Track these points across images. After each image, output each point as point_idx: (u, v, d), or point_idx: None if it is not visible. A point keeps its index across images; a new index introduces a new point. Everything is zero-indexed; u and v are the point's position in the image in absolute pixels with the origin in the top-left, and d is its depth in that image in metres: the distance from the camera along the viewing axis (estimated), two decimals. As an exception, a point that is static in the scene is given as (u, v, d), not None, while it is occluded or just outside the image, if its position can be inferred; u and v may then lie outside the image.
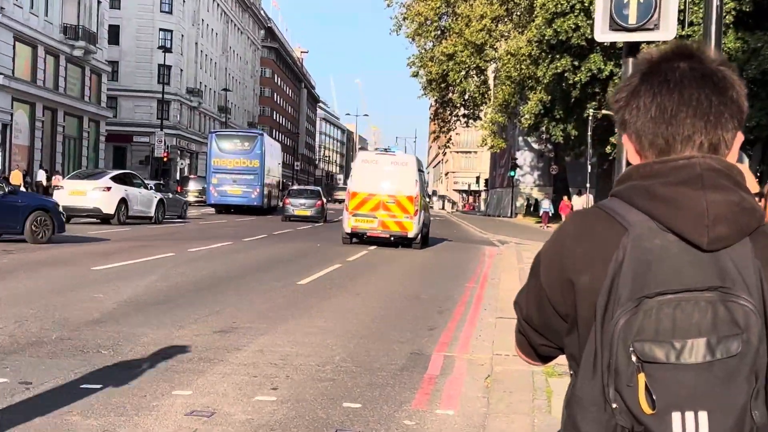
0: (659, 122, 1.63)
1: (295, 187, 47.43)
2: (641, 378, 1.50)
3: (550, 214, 50.30)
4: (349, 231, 24.16)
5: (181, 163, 75.83)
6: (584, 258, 1.63)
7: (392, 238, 24.12)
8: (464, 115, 59.01)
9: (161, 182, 42.40)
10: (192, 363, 7.89)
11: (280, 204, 45.42)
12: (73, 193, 27.40)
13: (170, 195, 35.24)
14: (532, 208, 61.46)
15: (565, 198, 53.16)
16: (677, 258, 1.54)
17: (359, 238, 24.25)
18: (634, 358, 1.50)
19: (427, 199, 23.97)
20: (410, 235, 24.04)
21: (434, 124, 64.43)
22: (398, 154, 25.18)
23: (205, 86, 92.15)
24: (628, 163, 1.71)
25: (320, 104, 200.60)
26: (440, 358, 8.70)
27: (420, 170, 23.94)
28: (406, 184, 23.71)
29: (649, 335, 1.50)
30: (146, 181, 32.67)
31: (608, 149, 40.31)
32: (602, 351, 1.55)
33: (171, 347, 8.53)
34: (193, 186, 59.10)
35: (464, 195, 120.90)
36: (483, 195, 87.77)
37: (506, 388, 7.05)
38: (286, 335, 9.54)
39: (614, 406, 1.53)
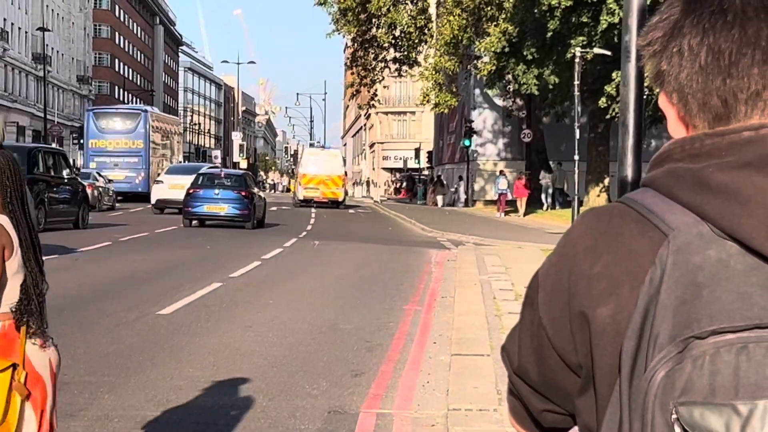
0: (713, 73, 1.59)
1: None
2: None
3: (509, 197, 51.23)
4: (301, 198, 58.55)
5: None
6: (603, 280, 1.60)
7: (329, 202, 57.51)
8: (395, 60, 59.28)
9: None
10: (3, 439, 7.72)
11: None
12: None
13: None
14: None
15: (520, 173, 53.94)
16: (742, 278, 1.50)
17: (308, 203, 43.26)
18: (678, 430, 1.45)
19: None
20: (340, 200, 59.41)
21: (352, 73, 64.55)
22: (331, 149, 60.36)
23: (12, 24, 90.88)
24: (668, 137, 1.67)
25: (184, 48, 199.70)
26: (371, 418, 8.70)
27: (344, 158, 46.31)
28: (337, 168, 59.74)
29: (700, 395, 1.46)
30: None
31: (602, 103, 40.89)
32: (631, 419, 1.51)
33: (-30, 416, 8.33)
34: None
35: (398, 175, 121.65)
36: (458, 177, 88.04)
37: (470, 459, 7.05)
38: (144, 391, 9.45)
39: None
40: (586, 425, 1.68)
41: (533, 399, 1.80)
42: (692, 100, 1.62)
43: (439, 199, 72.44)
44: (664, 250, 1.53)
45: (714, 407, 1.46)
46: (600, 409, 1.61)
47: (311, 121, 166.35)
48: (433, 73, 55.10)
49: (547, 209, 52.95)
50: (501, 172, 56.23)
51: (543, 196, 55.34)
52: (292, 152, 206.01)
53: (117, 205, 48.54)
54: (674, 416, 1.47)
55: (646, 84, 6.76)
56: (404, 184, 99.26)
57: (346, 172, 65.41)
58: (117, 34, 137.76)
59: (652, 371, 1.48)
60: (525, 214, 49.72)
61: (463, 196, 67.83)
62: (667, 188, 1.59)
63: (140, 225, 35.27)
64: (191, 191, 37.28)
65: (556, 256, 1.70)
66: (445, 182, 76.01)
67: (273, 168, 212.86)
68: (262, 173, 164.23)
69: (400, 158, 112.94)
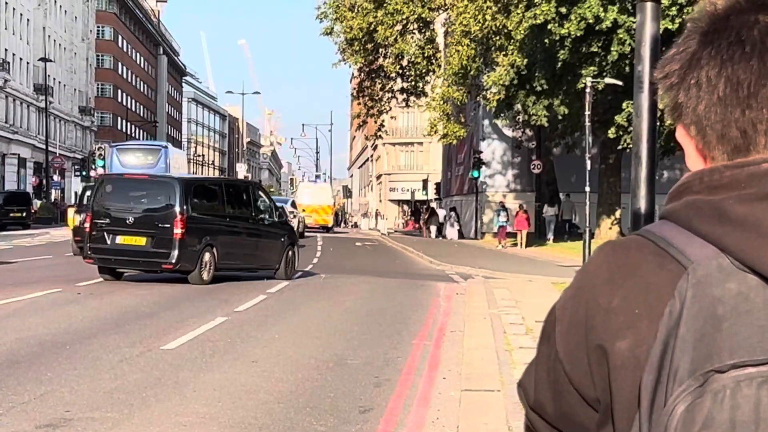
0: (732, 104, 1.60)
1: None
2: None
3: (509, 229, 51.55)
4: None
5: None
6: (622, 314, 1.60)
7: (320, 227, 71.27)
8: (402, 90, 59.33)
9: None
10: (5, 477, 7.73)
11: None
12: None
13: None
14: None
15: (521, 206, 54.18)
16: (762, 311, 1.50)
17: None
18: None
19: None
20: (329, 225, 76.73)
21: (358, 104, 64.62)
22: (320, 183, 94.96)
23: (14, 55, 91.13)
24: (681, 168, 1.68)
25: (188, 78, 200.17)
26: (381, 455, 8.64)
27: (334, 188, 65.29)
28: (327, 199, 79.26)
29: (721, 429, 1.46)
30: None
31: (612, 133, 40.86)
32: None
33: (-28, 453, 8.34)
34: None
35: (405, 207, 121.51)
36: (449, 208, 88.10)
37: (481, 497, 7.03)
38: (148, 428, 9.44)
39: None
40: None
41: None
42: (711, 131, 1.63)
43: (432, 229, 72.71)
44: (683, 283, 1.54)
45: None
46: None
47: (317, 153, 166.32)
48: (441, 103, 55.10)
49: (547, 242, 52.90)
50: (502, 204, 56.40)
51: (547, 230, 55.38)
52: (297, 184, 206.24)
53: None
54: None
55: (658, 115, 6.77)
56: (411, 216, 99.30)
57: (334, 203, 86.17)
58: (120, 64, 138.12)
59: (672, 405, 1.49)
60: (526, 246, 49.78)
61: (454, 229, 67.94)
62: (686, 220, 1.60)
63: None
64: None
65: (573, 290, 1.70)
66: (439, 213, 76.27)
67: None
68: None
69: (408, 190, 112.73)
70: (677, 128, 1.69)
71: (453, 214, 70.61)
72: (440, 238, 68.37)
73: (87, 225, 25.74)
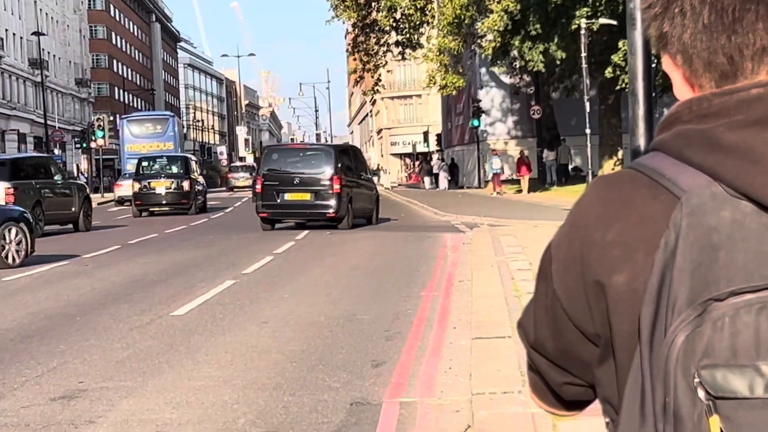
0: (717, 31, 1.59)
1: None
2: (714, 423, 1.45)
3: (503, 176, 51.87)
4: None
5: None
6: (617, 248, 1.60)
7: None
8: (397, 43, 59.16)
9: None
10: (23, 450, 7.76)
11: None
12: None
13: None
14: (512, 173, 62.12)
15: (521, 152, 54.40)
16: (758, 237, 1.50)
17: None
18: (701, 394, 1.46)
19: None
20: None
21: (354, 60, 64.53)
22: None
23: (6, 31, 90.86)
24: (674, 100, 1.67)
25: (183, 44, 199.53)
26: (395, 408, 8.70)
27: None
28: None
29: (722, 357, 1.46)
30: None
31: (609, 73, 40.77)
32: (653, 386, 1.51)
33: (-12, 429, 8.36)
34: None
35: (407, 160, 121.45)
36: (435, 158, 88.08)
37: (497, 443, 7.06)
38: (162, 394, 9.46)
39: None
40: (607, 397, 1.68)
41: (552, 372, 1.80)
42: (697, 59, 1.62)
43: (426, 180, 73.12)
44: (677, 214, 1.53)
45: (736, 369, 1.46)
46: (620, 378, 1.61)
47: (316, 111, 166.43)
48: (437, 54, 54.95)
49: (550, 186, 53.01)
50: (494, 151, 56.65)
51: (548, 174, 55.52)
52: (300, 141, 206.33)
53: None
54: (697, 380, 1.47)
55: (653, 51, 6.74)
56: (415, 169, 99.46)
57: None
58: (113, 34, 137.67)
59: (672, 336, 1.49)
60: (529, 191, 49.94)
61: (445, 180, 68.23)
62: (677, 151, 1.59)
63: (150, 225, 35.34)
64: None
65: (568, 227, 1.70)
66: (433, 164, 76.59)
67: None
68: None
69: (409, 143, 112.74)
70: (663, 58, 1.68)
71: (443, 164, 71.15)
72: (436, 189, 68.88)
73: (258, 187, 31.77)
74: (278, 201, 31.39)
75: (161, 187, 44.25)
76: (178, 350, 11.73)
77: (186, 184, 44.65)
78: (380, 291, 16.41)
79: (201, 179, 49.85)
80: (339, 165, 31.43)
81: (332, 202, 30.76)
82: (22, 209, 23.63)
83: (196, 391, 9.55)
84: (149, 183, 44.35)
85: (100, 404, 9.15)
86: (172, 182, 44.57)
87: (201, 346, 11.99)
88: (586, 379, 1.75)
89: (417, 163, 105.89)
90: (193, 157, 56.88)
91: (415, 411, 8.56)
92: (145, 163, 46.62)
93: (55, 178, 33.80)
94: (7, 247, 21.57)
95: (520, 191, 51.29)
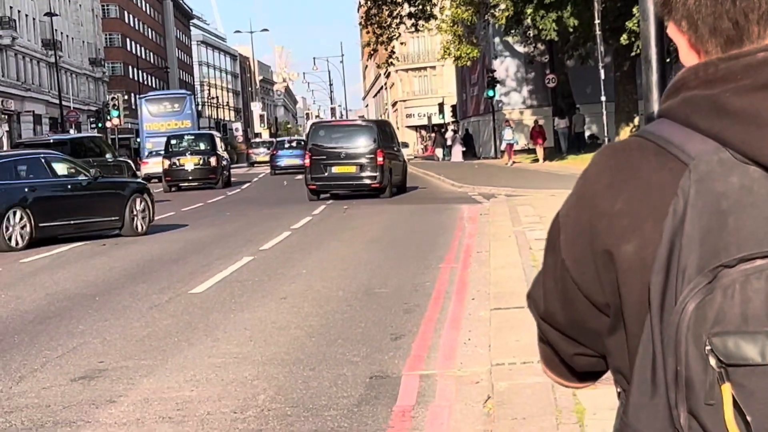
0: None
1: None
2: (726, 391, 1.45)
3: (517, 146, 52.13)
4: None
5: (-3, 131, 75.10)
6: (626, 217, 1.59)
7: None
8: (410, 15, 59.00)
9: None
10: (45, 431, 7.82)
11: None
12: None
13: None
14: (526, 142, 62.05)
15: (535, 122, 54.43)
16: (767, 202, 1.49)
17: None
18: (713, 362, 1.46)
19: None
20: None
21: (367, 32, 64.32)
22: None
23: (19, 12, 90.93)
24: (680, 66, 1.65)
25: (196, 21, 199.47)
26: (414, 380, 8.71)
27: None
28: None
29: (733, 324, 1.45)
30: None
31: (624, 39, 40.60)
32: (664, 354, 1.50)
33: (9, 411, 8.43)
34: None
35: (423, 132, 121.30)
36: (450, 130, 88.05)
37: (516, 413, 7.08)
38: (182, 372, 9.49)
39: None
40: (618, 367, 1.67)
41: (563, 344, 1.80)
42: (702, 25, 1.60)
43: (438, 151, 73.39)
44: (685, 181, 1.52)
45: (748, 335, 1.45)
46: (631, 348, 1.61)
47: (330, 85, 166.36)
48: (451, 25, 54.83)
49: (561, 155, 53.01)
50: (506, 122, 56.70)
51: (561, 142, 55.54)
52: (315, 117, 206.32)
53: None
54: (708, 348, 1.46)
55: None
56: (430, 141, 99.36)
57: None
58: (126, 12, 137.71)
59: (683, 304, 1.48)
60: (544, 160, 50.07)
61: (459, 152, 68.23)
62: (684, 117, 1.58)
63: (168, 204, 35.41)
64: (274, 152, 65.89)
65: (575, 197, 1.69)
66: (447, 135, 76.74)
67: (296, 135, 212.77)
68: None
69: (424, 115, 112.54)
70: (669, 25, 1.67)
71: (457, 136, 71.60)
72: (449, 160, 69.18)
73: (307, 161, 34.57)
74: (326, 174, 33.94)
75: (190, 163, 46.89)
76: (197, 328, 11.77)
77: (213, 160, 47.17)
78: (398, 264, 16.42)
79: (225, 155, 52.93)
80: (381, 139, 34.33)
81: (376, 173, 33.59)
82: (143, 182, 26.58)
83: (215, 368, 9.58)
84: (179, 160, 47.00)
85: (120, 383, 9.19)
86: (200, 158, 47.04)
87: (220, 323, 12.02)
88: (597, 350, 1.75)
89: (431, 135, 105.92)
90: (218, 134, 59.70)
91: (434, 383, 8.58)
92: (173, 141, 49.23)
93: (106, 156, 36.19)
94: (136, 216, 23.88)
95: (536, 161, 51.25)
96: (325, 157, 33.92)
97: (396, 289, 13.75)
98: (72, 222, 22.63)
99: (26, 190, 21.96)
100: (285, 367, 9.45)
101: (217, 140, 51.59)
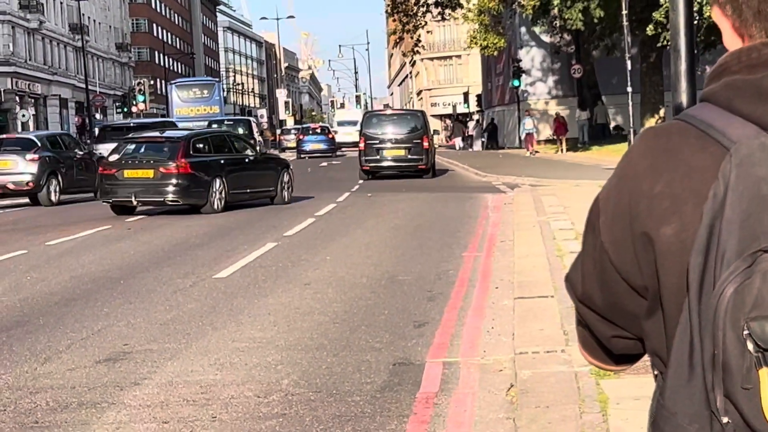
0: None
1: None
2: (764, 375, 1.45)
3: (537, 137, 52.65)
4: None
5: (23, 115, 75.28)
6: (666, 199, 1.59)
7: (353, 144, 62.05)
8: (437, 3, 58.91)
9: None
10: (69, 412, 7.84)
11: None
12: None
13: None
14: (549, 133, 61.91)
15: (557, 113, 54.61)
16: None
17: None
18: (750, 346, 1.46)
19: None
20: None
21: (394, 20, 64.28)
22: (353, 109, 74.82)
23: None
24: (717, 56, 1.65)
25: (222, 7, 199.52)
26: (438, 368, 8.72)
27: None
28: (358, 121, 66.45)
29: None
30: None
31: (651, 30, 40.44)
32: (702, 338, 1.50)
33: (34, 392, 8.47)
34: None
35: (447, 121, 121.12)
36: (476, 118, 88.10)
37: (539, 402, 7.07)
38: (206, 356, 9.52)
39: (725, 420, 1.49)
40: (655, 350, 1.67)
41: (601, 326, 1.80)
42: (746, 9, 1.60)
43: (457, 141, 73.86)
44: (726, 165, 1.51)
45: None
46: (669, 331, 1.61)
47: (356, 73, 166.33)
48: (477, 14, 54.72)
49: (582, 146, 53.08)
50: (527, 112, 56.83)
51: (580, 134, 55.64)
52: (338, 106, 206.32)
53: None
54: (746, 332, 1.46)
55: (695, 8, 6.68)
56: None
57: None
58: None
59: (721, 288, 1.47)
60: (567, 151, 50.39)
61: (479, 140, 68.42)
62: (725, 101, 1.57)
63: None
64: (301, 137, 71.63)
65: (616, 179, 1.69)
66: (468, 124, 77.13)
67: (321, 122, 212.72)
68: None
69: (449, 104, 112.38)
70: (713, 9, 1.66)
71: (479, 126, 72.60)
72: (469, 150, 69.86)
73: (362, 145, 39.09)
74: (378, 156, 38.79)
75: None
76: (221, 312, 11.79)
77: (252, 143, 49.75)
78: (422, 252, 16.42)
79: (261, 139, 57.62)
80: (425, 126, 39.86)
81: (422, 156, 38.54)
82: (287, 160, 31.68)
83: (239, 352, 9.60)
84: None
85: (144, 366, 9.22)
86: None
87: (244, 308, 12.05)
88: (634, 332, 1.75)
89: (450, 125, 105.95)
90: (255, 120, 66.90)
91: (458, 371, 8.58)
92: (215, 126, 52.70)
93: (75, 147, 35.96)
94: (284, 188, 27.92)
95: (559, 151, 51.33)
96: (377, 141, 38.79)
97: (419, 277, 13.75)
98: (248, 191, 27.04)
99: (221, 162, 26.07)
100: (308, 353, 9.47)
101: (254, 126, 57.52)
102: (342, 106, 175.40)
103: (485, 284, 12.93)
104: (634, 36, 43.09)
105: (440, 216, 22.61)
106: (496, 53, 63.32)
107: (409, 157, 38.86)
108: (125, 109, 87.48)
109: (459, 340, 9.79)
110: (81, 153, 34.53)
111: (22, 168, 31.20)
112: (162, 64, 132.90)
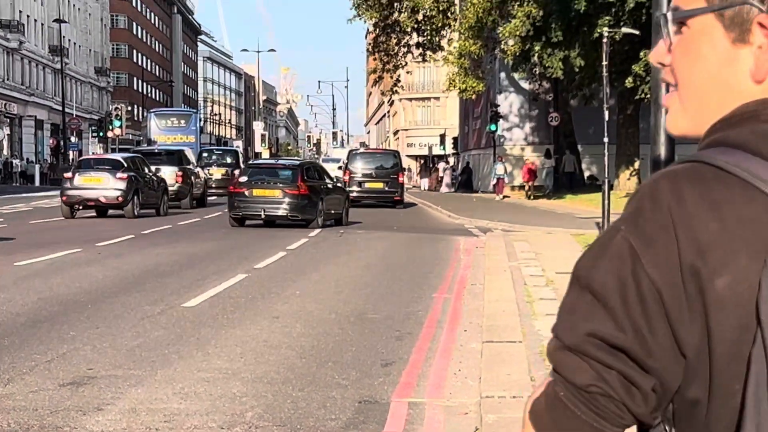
0: None
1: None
2: None
3: (506, 182, 54.71)
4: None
5: (-2, 134, 75.08)
6: (718, 250, 1.51)
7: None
8: (418, 45, 59.07)
9: None
10: (30, 434, 7.77)
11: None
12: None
13: None
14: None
15: (530, 160, 55.18)
16: None
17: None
18: None
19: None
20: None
21: (374, 59, 64.48)
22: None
23: (28, 17, 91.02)
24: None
25: (203, 37, 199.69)
26: (403, 407, 8.70)
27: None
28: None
29: None
30: None
31: (629, 83, 40.66)
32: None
33: (-3, 412, 8.38)
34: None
35: (422, 162, 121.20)
36: (451, 161, 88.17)
37: (505, 447, 7.05)
38: (171, 384, 9.48)
39: None
40: (693, 402, 1.58)
41: (634, 374, 1.57)
42: None
43: (424, 182, 75.45)
44: None
45: None
46: (713, 396, 1.54)
47: (333, 110, 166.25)
48: (458, 58, 54.86)
49: (548, 192, 53.77)
50: (500, 157, 57.64)
51: (545, 181, 56.29)
52: (315, 141, 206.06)
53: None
54: None
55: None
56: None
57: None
58: (134, 24, 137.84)
59: None
60: (532, 198, 51.23)
61: (448, 181, 69.07)
62: (755, 148, 1.54)
63: (163, 218, 35.42)
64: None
65: (658, 226, 1.56)
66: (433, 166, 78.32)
67: (296, 156, 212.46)
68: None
69: (425, 145, 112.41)
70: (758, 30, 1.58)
71: (448, 168, 74.70)
72: (436, 192, 71.23)
73: (347, 178, 45.82)
74: (360, 188, 46.26)
75: (218, 173, 55.25)
76: (188, 341, 11.75)
77: (237, 172, 51.54)
78: (392, 291, 16.40)
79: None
80: (400, 163, 48.60)
81: (398, 189, 46.62)
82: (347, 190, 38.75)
83: (204, 382, 9.56)
84: (208, 170, 53.61)
85: (108, 392, 9.17)
86: (226, 170, 55.06)
87: (211, 338, 12.01)
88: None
89: (417, 165, 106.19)
90: (241, 150, 71.72)
91: (423, 412, 8.56)
92: (205, 154, 59.14)
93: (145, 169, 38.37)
94: (345, 212, 33.02)
95: (529, 197, 52.00)
96: (359, 175, 46.79)
97: (389, 316, 13.73)
98: (332, 212, 32.11)
99: (322, 186, 31.77)
100: (274, 386, 9.44)
101: (240, 155, 62.26)
102: (318, 141, 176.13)
103: (454, 326, 12.92)
104: (613, 87, 43.23)
105: (412, 256, 22.60)
106: (474, 97, 63.42)
107: (386, 189, 46.42)
108: (101, 134, 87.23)
109: (425, 381, 9.77)
110: (149, 174, 37.67)
111: (113, 185, 34.91)
112: (140, 90, 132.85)
